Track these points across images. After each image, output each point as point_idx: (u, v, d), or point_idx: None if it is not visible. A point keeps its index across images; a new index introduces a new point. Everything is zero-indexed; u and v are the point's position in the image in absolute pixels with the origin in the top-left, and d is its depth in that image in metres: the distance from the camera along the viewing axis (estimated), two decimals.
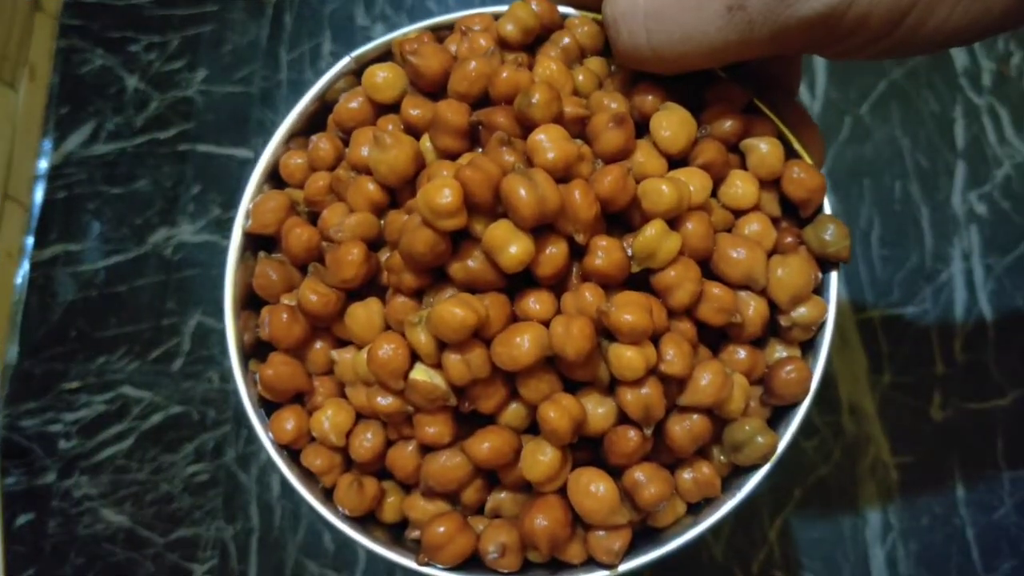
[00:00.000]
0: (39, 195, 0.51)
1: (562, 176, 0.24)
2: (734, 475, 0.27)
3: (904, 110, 0.49)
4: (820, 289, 0.27)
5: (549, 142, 0.24)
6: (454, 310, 0.23)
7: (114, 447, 0.46)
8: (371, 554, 0.43)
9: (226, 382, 0.46)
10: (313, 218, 0.29)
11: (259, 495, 0.44)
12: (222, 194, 0.50)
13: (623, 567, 0.26)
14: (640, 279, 0.25)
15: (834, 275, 0.27)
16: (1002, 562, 0.41)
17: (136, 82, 0.52)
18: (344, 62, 0.30)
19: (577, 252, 0.25)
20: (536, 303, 0.25)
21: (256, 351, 0.28)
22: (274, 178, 0.30)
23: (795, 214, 0.28)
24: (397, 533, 0.27)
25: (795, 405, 0.27)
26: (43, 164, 0.51)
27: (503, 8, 0.28)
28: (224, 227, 0.49)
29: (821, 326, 0.27)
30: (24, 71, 0.53)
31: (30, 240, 0.50)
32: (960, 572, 0.41)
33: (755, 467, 0.26)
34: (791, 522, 0.42)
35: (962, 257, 0.46)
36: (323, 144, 0.29)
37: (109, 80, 0.52)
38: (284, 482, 0.44)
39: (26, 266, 0.49)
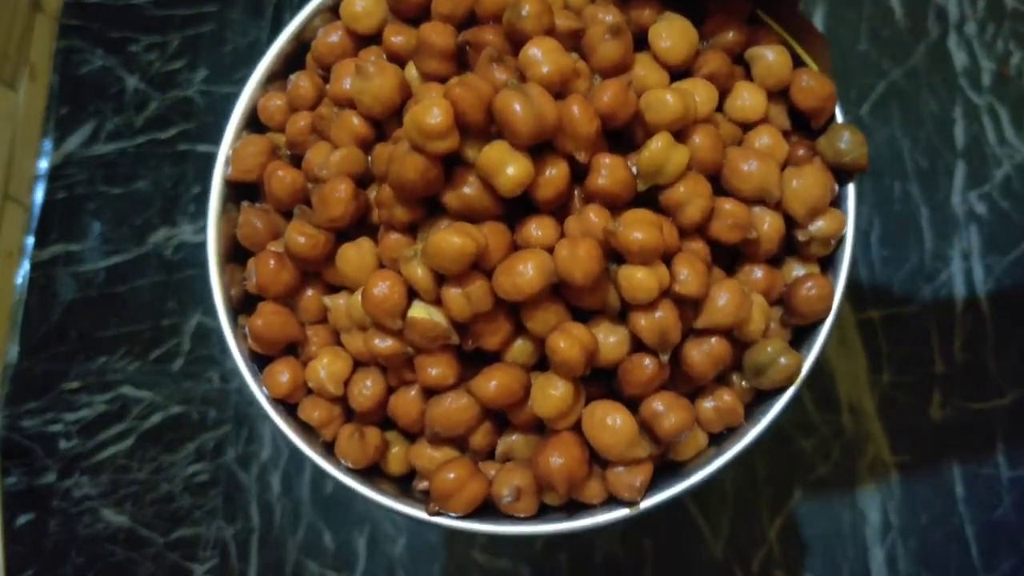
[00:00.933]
0: (39, 195, 0.51)
1: (558, 92, 0.23)
2: (757, 402, 0.26)
3: (904, 110, 0.49)
4: (837, 202, 0.26)
5: (543, 55, 0.23)
6: (451, 238, 0.22)
7: (114, 447, 0.46)
8: (371, 553, 0.43)
9: (226, 382, 0.46)
10: (296, 161, 0.27)
11: (259, 495, 0.44)
12: None
13: (645, 504, 0.24)
14: (647, 200, 0.24)
15: (852, 186, 0.26)
16: (1001, 561, 0.41)
17: (136, 82, 0.52)
18: None
19: (578, 175, 0.24)
20: (538, 229, 0.23)
21: (245, 307, 0.27)
22: (253, 124, 0.28)
23: (806, 128, 0.27)
24: (405, 486, 0.26)
25: (818, 324, 0.25)
26: (43, 164, 0.51)
27: None
28: None
29: (840, 240, 0.26)
30: (24, 71, 0.53)
31: (30, 240, 0.50)
32: (959, 570, 0.41)
33: (779, 391, 0.25)
34: (791, 521, 0.42)
35: (962, 257, 0.46)
36: (303, 82, 0.27)
37: (109, 80, 0.52)
38: (284, 481, 0.44)
39: (26, 266, 0.49)
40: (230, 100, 0.52)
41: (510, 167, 0.22)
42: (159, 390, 0.46)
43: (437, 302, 0.23)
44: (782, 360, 0.24)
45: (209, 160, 0.51)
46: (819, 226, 0.25)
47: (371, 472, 0.26)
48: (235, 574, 0.43)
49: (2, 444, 0.46)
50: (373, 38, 0.27)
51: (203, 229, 0.50)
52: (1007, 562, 0.41)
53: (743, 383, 0.25)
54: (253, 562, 0.43)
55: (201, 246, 0.49)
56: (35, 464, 0.46)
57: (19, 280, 0.50)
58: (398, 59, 0.26)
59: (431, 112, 0.22)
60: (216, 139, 0.51)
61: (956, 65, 0.49)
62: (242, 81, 0.52)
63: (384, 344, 0.24)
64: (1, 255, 0.49)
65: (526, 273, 0.22)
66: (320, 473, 0.44)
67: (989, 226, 0.46)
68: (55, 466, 0.46)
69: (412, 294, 0.24)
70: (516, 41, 0.24)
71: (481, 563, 0.42)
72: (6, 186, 0.50)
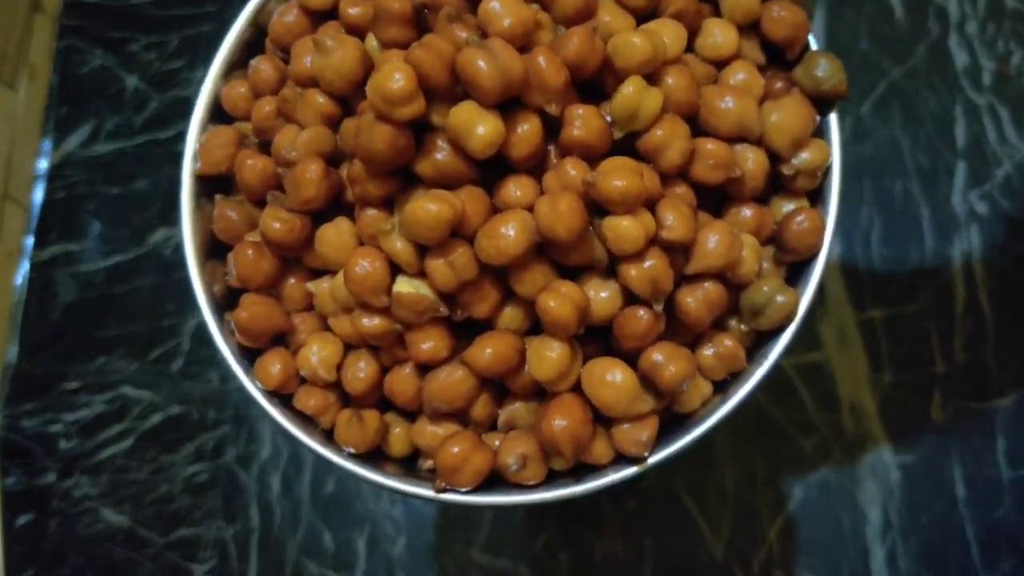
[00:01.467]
0: (39, 195, 0.51)
1: (522, 45, 0.23)
2: (758, 344, 0.25)
3: (904, 110, 0.49)
4: (820, 132, 0.26)
5: (502, 8, 0.22)
6: (427, 206, 0.21)
7: (114, 447, 0.46)
8: (371, 553, 0.43)
9: (226, 382, 0.46)
10: (265, 148, 0.27)
11: (259, 495, 0.44)
12: None
13: (653, 459, 0.24)
14: (625, 149, 0.23)
15: (834, 116, 0.26)
16: (1002, 561, 0.41)
17: (136, 82, 0.52)
18: None
19: (552, 129, 0.23)
20: (516, 189, 0.23)
21: (230, 303, 0.27)
22: (218, 116, 0.28)
23: (781, 60, 0.26)
24: (410, 467, 0.26)
25: (812, 259, 0.25)
26: (43, 164, 0.51)
27: None
28: None
29: (827, 171, 0.25)
30: (24, 71, 0.53)
31: (30, 240, 0.50)
32: (960, 571, 0.41)
33: (779, 331, 0.25)
34: (791, 521, 0.42)
35: (962, 257, 0.46)
36: (263, 66, 0.27)
37: (109, 80, 0.52)
38: (284, 481, 0.44)
39: (26, 266, 0.49)
40: None
41: (480, 127, 0.22)
42: (159, 390, 0.46)
43: (421, 275, 0.23)
44: (779, 298, 0.24)
45: None
46: (804, 158, 0.25)
47: (374, 456, 0.26)
48: (235, 574, 0.43)
49: (2, 444, 0.46)
50: (330, 13, 0.27)
51: None
52: (1007, 562, 0.41)
53: (742, 327, 0.25)
54: (253, 562, 0.43)
55: None
56: (35, 464, 0.46)
57: (19, 280, 0.50)
58: (357, 31, 0.26)
59: (392, 77, 0.21)
60: None
61: (956, 65, 0.49)
62: None
63: (372, 323, 0.24)
64: (1, 255, 0.49)
65: (508, 235, 0.22)
66: (320, 473, 0.44)
67: (990, 226, 0.46)
68: (55, 466, 0.46)
69: (395, 269, 0.23)
70: None
71: (481, 563, 0.42)
72: (5, 186, 0.50)
